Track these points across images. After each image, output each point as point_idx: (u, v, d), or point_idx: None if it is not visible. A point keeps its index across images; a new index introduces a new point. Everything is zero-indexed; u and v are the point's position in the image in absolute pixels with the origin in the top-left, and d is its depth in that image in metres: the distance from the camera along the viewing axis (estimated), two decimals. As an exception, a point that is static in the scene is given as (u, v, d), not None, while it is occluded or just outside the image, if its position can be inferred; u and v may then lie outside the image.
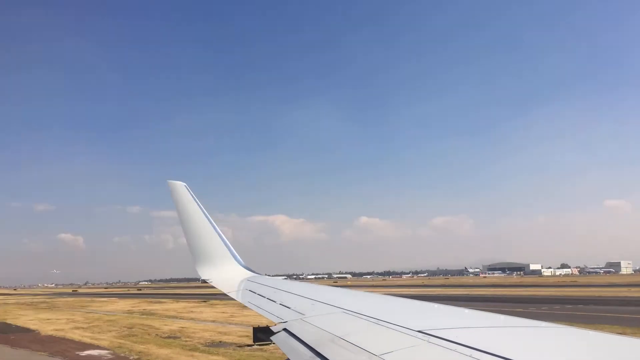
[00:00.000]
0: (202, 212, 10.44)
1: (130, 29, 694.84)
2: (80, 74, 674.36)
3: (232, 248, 10.55)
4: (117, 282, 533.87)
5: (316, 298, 6.89)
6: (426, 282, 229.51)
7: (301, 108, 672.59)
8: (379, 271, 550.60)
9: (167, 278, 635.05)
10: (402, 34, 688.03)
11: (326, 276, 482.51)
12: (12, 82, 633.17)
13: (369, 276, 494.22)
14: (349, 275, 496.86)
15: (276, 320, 6.05)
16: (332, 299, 6.69)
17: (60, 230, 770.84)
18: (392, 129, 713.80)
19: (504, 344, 3.76)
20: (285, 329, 5.50)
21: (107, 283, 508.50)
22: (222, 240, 10.49)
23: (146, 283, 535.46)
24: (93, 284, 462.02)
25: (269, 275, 10.77)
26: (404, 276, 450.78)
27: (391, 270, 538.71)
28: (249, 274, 10.01)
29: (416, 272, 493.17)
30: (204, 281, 10.03)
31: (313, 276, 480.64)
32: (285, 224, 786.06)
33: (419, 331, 4.22)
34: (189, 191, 10.57)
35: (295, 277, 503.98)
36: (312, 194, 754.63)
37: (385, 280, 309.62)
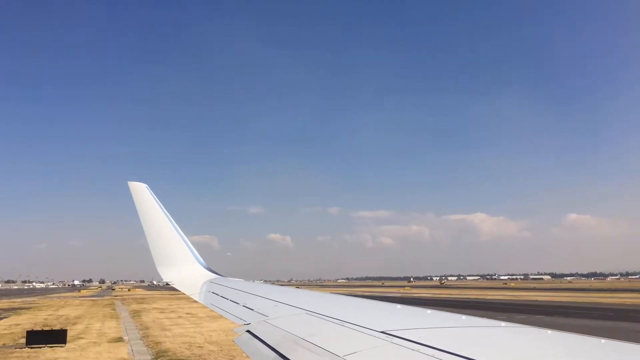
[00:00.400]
0: (163, 214, 10.47)
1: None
2: (287, 95, 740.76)
3: (194, 250, 10.54)
4: (317, 280, 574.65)
5: (279, 300, 6.86)
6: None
7: (487, 102, 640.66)
8: (583, 272, 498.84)
9: (364, 276, 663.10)
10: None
11: (522, 277, 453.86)
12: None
13: (569, 277, 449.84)
14: (546, 277, 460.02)
15: (239, 322, 6.05)
16: (296, 301, 6.69)
17: (270, 230, 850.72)
18: (603, 115, 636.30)
19: (466, 344, 3.81)
20: (248, 331, 5.52)
21: (308, 280, 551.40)
22: (184, 241, 10.48)
23: (343, 281, 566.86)
24: (297, 281, 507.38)
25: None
26: (609, 278, 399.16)
27: (598, 272, 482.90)
28: (212, 275, 10.00)
29: (627, 274, 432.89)
30: (167, 283, 10.09)
31: (507, 277, 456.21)
32: (484, 223, 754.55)
33: (382, 332, 4.27)
34: (151, 192, 10.62)
35: (488, 277, 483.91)
36: (513, 191, 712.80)
37: (570, 283, 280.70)
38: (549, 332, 4.08)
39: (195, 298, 8.58)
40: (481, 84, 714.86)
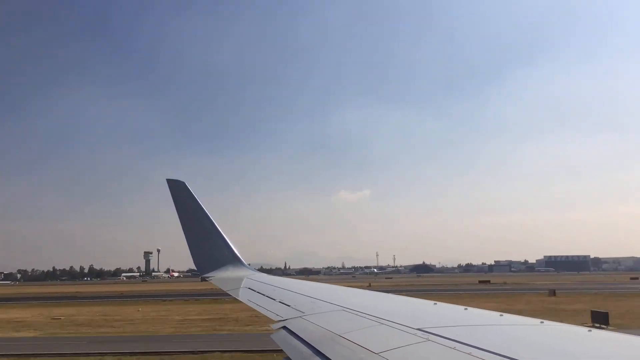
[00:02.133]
0: (202, 210, 10.60)
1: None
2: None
3: (232, 246, 10.64)
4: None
5: (316, 296, 6.91)
6: None
7: None
8: None
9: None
10: None
11: None
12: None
13: None
14: None
15: (275, 318, 6.12)
16: (333, 297, 6.73)
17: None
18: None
19: (504, 342, 3.76)
20: (284, 327, 5.56)
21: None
22: (222, 238, 10.63)
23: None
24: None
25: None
26: None
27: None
28: (249, 271, 10.20)
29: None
30: (204, 279, 10.14)
31: None
32: None
33: (419, 329, 4.29)
34: (189, 189, 10.73)
35: None
36: None
37: None
38: (592, 331, 4.00)
39: (233, 294, 8.60)
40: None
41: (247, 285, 8.84)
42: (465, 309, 5.33)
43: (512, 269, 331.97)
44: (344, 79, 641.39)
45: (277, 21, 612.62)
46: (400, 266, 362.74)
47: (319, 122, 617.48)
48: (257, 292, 8.06)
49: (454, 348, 3.63)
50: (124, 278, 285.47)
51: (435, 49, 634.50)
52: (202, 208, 10.63)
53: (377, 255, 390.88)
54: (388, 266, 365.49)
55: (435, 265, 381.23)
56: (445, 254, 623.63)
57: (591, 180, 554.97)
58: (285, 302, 6.87)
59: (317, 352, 4.44)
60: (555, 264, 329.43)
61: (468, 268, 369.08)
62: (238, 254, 10.68)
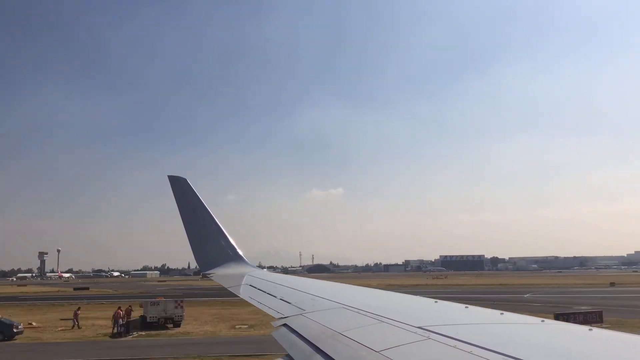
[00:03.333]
0: (203, 207, 10.66)
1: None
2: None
3: (233, 243, 10.67)
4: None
5: (317, 293, 6.89)
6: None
7: None
8: None
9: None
10: None
11: None
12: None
13: None
14: None
15: (276, 316, 6.13)
16: (333, 295, 6.73)
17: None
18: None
19: (505, 341, 3.76)
20: (285, 325, 5.58)
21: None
22: (224, 235, 10.65)
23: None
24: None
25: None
26: None
27: None
28: (250, 268, 10.24)
29: None
30: (205, 275, 10.26)
31: None
32: None
33: (419, 327, 4.27)
34: (190, 186, 10.73)
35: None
36: None
37: None
38: (593, 330, 3.98)
39: (234, 291, 8.64)
40: None
41: (247, 282, 8.92)
42: (466, 307, 5.31)
43: (407, 269, 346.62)
44: (315, 79, 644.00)
45: (248, 22, 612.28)
46: (300, 266, 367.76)
47: (288, 123, 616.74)
48: (258, 289, 8.12)
49: (455, 346, 3.61)
50: (14, 279, 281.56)
51: (406, 51, 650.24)
52: (204, 205, 10.74)
53: (300, 254, 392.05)
54: (295, 266, 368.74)
55: (336, 264, 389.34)
56: (411, 252, 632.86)
57: (559, 181, 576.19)
58: (286, 300, 6.89)
59: (318, 350, 4.45)
60: (451, 263, 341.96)
61: (367, 268, 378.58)
62: (239, 251, 10.77)
